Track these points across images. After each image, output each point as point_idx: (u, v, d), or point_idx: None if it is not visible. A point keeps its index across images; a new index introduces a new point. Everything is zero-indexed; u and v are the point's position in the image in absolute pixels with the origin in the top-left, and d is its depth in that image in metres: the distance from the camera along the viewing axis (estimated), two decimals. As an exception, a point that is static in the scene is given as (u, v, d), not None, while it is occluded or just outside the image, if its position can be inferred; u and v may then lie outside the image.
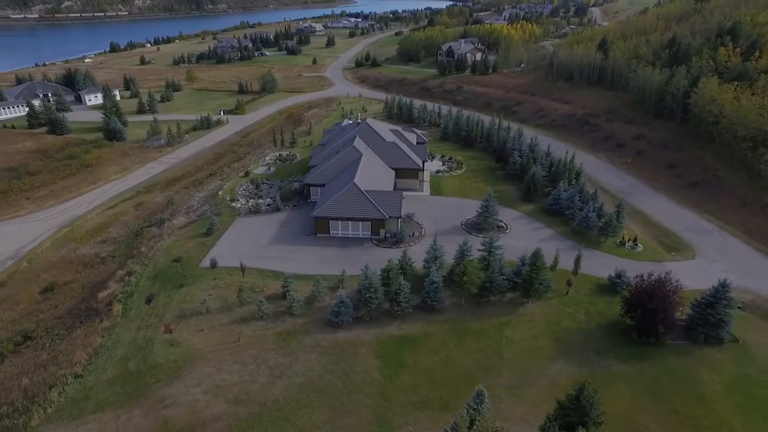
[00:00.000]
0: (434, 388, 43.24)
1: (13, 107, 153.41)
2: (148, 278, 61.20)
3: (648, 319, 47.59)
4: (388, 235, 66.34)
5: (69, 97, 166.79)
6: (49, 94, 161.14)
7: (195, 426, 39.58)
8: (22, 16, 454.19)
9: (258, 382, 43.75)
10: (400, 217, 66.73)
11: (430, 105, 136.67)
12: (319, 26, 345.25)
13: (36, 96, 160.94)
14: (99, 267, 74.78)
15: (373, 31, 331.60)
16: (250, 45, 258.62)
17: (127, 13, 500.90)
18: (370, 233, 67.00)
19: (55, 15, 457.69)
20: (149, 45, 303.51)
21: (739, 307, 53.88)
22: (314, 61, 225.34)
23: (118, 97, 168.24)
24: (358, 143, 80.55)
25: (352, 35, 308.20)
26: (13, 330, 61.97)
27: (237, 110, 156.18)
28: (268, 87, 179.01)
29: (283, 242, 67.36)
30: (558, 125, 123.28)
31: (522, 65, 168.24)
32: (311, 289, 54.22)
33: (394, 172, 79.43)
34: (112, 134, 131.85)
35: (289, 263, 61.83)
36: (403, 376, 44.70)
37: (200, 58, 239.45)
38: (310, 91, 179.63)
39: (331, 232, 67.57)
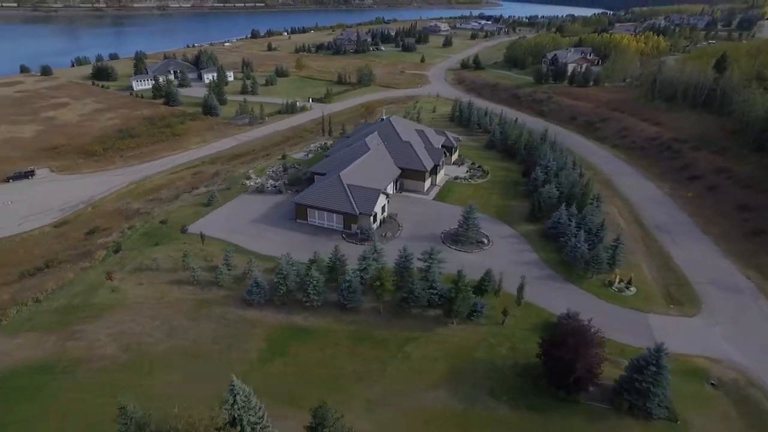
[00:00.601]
0: (296, 382, 43.06)
1: (148, 80, 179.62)
2: (140, 234, 69.11)
3: (559, 369, 41.56)
4: (358, 230, 66.14)
5: (193, 75, 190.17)
6: (177, 71, 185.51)
7: (81, 360, 44.70)
8: (210, 4, 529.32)
9: (153, 337, 47.69)
10: (371, 214, 65.92)
11: (503, 111, 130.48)
12: (444, 26, 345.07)
13: (168, 72, 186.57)
14: (133, 219, 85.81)
15: (498, 34, 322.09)
16: (369, 39, 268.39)
17: (281, 3, 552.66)
18: (342, 226, 67.38)
19: (225, 5, 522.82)
20: (285, 34, 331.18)
21: (712, 384, 44.79)
22: (422, 60, 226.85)
23: (231, 78, 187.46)
24: (372, 139, 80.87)
25: (473, 37, 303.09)
26: (46, 258, 74.38)
27: (324, 99, 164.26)
28: (363, 80, 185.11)
29: (265, 222, 70.87)
30: (636, 147, 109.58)
31: (627, 80, 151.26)
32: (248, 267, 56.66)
33: (398, 172, 78.40)
34: (208, 110, 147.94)
35: (259, 241, 65.21)
36: (276, 363, 45.18)
37: (320, 48, 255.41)
38: (403, 87, 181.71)
39: (308, 219, 69.41)
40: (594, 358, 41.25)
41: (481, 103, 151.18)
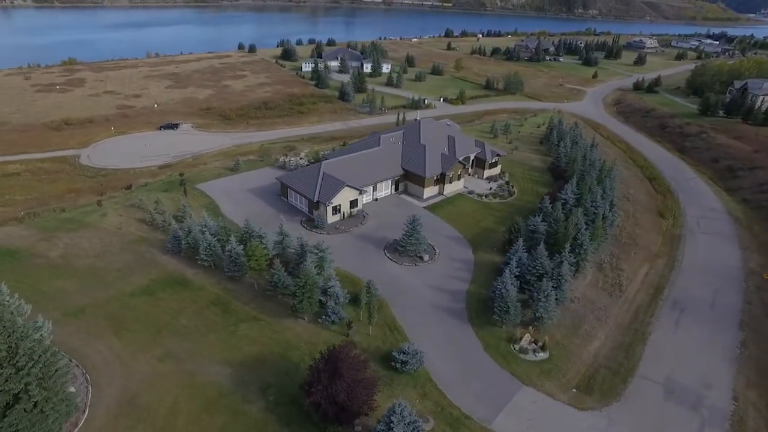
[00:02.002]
0: (135, 318, 49.19)
1: (312, 64, 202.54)
2: (164, 182, 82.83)
3: (318, 399, 38.12)
4: (315, 217, 68.14)
5: (355, 63, 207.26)
6: (343, 58, 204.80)
7: (35, 255, 58.34)
8: (430, 2, 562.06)
9: (86, 253, 59.16)
10: (327, 204, 66.89)
11: (627, 140, 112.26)
12: (651, 42, 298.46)
13: (336, 58, 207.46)
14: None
15: (716, 56, 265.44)
16: (552, 48, 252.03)
17: (499, 7, 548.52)
18: (308, 210, 70.12)
19: (443, 4, 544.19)
20: (479, 36, 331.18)
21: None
22: (594, 75, 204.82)
23: (386, 70, 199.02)
24: (389, 137, 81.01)
25: (680, 57, 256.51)
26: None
27: (455, 100, 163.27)
28: (510, 87, 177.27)
29: (257, 193, 77.82)
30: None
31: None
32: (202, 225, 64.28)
33: (400, 173, 76.85)
34: (342, 95, 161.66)
35: (236, 206, 73.18)
36: (140, 299, 51.84)
37: (495, 52, 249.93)
38: (547, 100, 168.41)
39: (288, 198, 73.92)
40: (358, 392, 37.15)
41: (618, 129, 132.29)
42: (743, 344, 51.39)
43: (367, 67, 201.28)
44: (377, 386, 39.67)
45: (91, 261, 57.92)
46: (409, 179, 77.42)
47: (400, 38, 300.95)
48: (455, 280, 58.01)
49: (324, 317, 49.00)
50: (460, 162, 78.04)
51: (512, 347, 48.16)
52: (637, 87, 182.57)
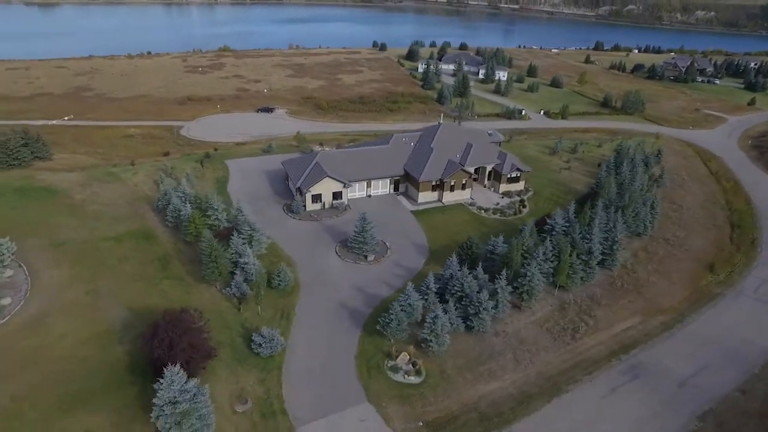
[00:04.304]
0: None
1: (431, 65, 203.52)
2: (200, 154, 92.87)
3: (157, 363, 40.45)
4: (293, 202, 70.94)
5: (473, 68, 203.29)
6: (461, 62, 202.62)
7: (64, 197, 71.30)
8: (594, 13, 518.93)
9: (97, 202, 70.20)
10: (305, 192, 69.02)
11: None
12: None
13: (454, 62, 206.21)
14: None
15: None
16: (709, 69, 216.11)
17: (680, 22, 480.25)
18: (294, 194, 73.38)
19: (616, 19, 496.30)
20: (636, 51, 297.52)
21: None
22: (750, 102, 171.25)
23: (503, 78, 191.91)
24: (401, 136, 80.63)
25: None
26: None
27: (555, 114, 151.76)
28: (628, 107, 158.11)
29: (269, 175, 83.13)
30: None
31: None
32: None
33: (401, 173, 75.72)
34: (439, 97, 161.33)
35: (242, 182, 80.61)
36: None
37: (636, 69, 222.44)
38: (668, 125, 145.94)
39: (288, 182, 77.98)
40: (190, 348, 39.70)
41: (737, 165, 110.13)
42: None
43: (481, 73, 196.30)
44: (210, 356, 41.53)
45: (99, 208, 68.67)
46: (409, 181, 75.69)
47: (540, 48, 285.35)
48: (382, 285, 55.97)
49: (227, 289, 51.60)
50: (464, 170, 73.58)
51: (386, 362, 45.29)
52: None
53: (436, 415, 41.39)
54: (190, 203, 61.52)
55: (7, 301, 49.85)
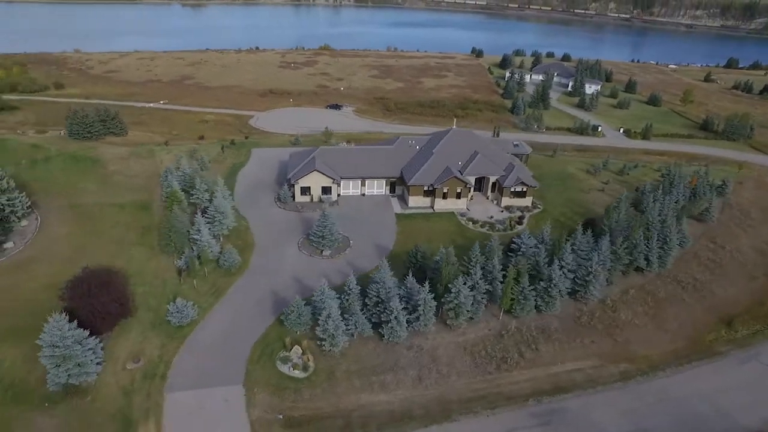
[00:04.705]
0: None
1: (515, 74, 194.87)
2: (242, 142, 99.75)
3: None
4: (281, 192, 73.72)
5: (565, 80, 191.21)
6: (547, 72, 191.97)
7: (101, 167, 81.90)
8: (745, 26, 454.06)
9: (124, 173, 79.50)
10: (293, 184, 71.40)
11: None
12: None
13: (544, 73, 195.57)
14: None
15: None
16: None
17: None
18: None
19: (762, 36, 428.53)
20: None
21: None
22: None
23: (594, 91, 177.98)
24: (405, 139, 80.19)
25: None
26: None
27: (635, 134, 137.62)
28: (730, 131, 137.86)
29: (283, 165, 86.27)
30: None
31: None
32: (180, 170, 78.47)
33: (398, 175, 75.06)
34: (512, 108, 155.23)
35: (253, 168, 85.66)
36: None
37: (764, 90, 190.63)
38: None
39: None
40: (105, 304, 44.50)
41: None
42: None
43: (570, 86, 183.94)
44: (124, 315, 46.33)
45: (121, 179, 77.79)
46: (404, 184, 74.49)
47: (656, 63, 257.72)
48: (322, 280, 55.79)
49: (177, 261, 55.76)
50: (458, 179, 70.46)
51: (282, 352, 45.78)
52: None
53: (303, 412, 41.04)
54: (178, 181, 66.96)
55: (10, 245, 59.10)
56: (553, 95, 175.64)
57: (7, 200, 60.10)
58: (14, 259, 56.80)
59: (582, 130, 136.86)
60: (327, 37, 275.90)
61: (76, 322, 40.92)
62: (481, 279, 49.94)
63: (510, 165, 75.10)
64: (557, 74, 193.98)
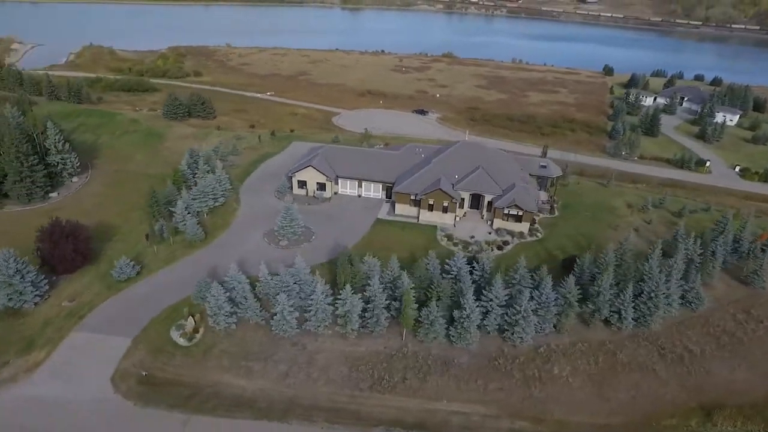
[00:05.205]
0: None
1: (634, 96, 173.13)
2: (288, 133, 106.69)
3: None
4: (281, 183, 78.12)
5: (696, 106, 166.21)
6: (673, 96, 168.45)
7: (157, 141, 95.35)
8: None
9: (170, 151, 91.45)
10: (290, 176, 75.38)
11: None
12: None
13: (670, 97, 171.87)
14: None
15: None
16: None
17: None
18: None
19: None
20: None
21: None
22: None
23: (732, 122, 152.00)
24: (413, 146, 79.54)
25: None
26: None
27: (751, 175, 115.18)
28: None
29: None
30: None
31: None
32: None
33: (394, 181, 74.89)
34: (611, 131, 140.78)
35: (278, 158, 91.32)
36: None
37: None
38: None
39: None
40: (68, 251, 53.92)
41: None
42: None
43: (697, 112, 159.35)
44: (83, 264, 55.46)
45: (168, 154, 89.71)
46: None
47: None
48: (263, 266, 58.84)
49: (157, 228, 63.45)
50: (444, 192, 67.49)
51: (180, 320, 49.89)
52: None
53: (166, 375, 44.74)
54: (193, 160, 75.60)
55: (54, 195, 73.26)
56: (674, 122, 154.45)
57: (61, 159, 74.00)
58: (50, 207, 69.96)
59: (683, 163, 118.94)
60: (458, 45, 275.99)
61: (40, 260, 50.20)
62: (381, 292, 48.26)
63: (513, 185, 69.55)
64: (687, 99, 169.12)
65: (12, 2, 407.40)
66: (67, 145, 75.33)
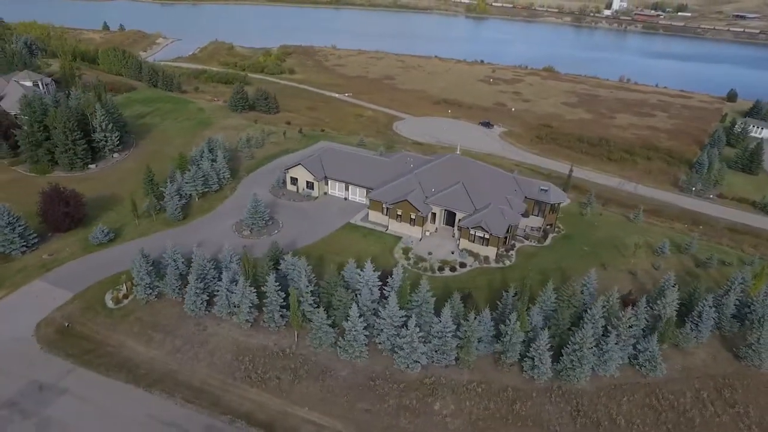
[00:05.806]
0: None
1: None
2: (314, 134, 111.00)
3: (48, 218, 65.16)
4: (277, 178, 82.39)
5: (763, 132, 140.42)
6: None
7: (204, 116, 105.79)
8: None
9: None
10: (284, 172, 79.28)
11: None
12: None
13: None
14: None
15: None
16: None
17: None
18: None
19: None
20: None
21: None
22: None
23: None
24: (405, 155, 79.40)
25: None
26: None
27: None
28: None
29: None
30: None
31: None
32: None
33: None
34: (694, 163, 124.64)
35: (295, 155, 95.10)
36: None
37: None
38: None
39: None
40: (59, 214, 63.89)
41: None
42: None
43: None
44: (72, 227, 64.42)
45: (202, 140, 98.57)
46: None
47: None
48: (221, 251, 62.64)
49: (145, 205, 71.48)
50: (410, 204, 66.27)
51: (119, 286, 56.05)
52: None
53: (82, 330, 51.01)
54: (209, 149, 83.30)
55: (92, 167, 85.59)
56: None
57: (103, 137, 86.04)
58: (84, 176, 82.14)
59: (765, 206, 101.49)
60: (563, 59, 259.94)
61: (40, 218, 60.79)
62: (279, 291, 49.63)
63: (490, 206, 65.86)
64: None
65: (179, 4, 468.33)
66: (110, 125, 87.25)
